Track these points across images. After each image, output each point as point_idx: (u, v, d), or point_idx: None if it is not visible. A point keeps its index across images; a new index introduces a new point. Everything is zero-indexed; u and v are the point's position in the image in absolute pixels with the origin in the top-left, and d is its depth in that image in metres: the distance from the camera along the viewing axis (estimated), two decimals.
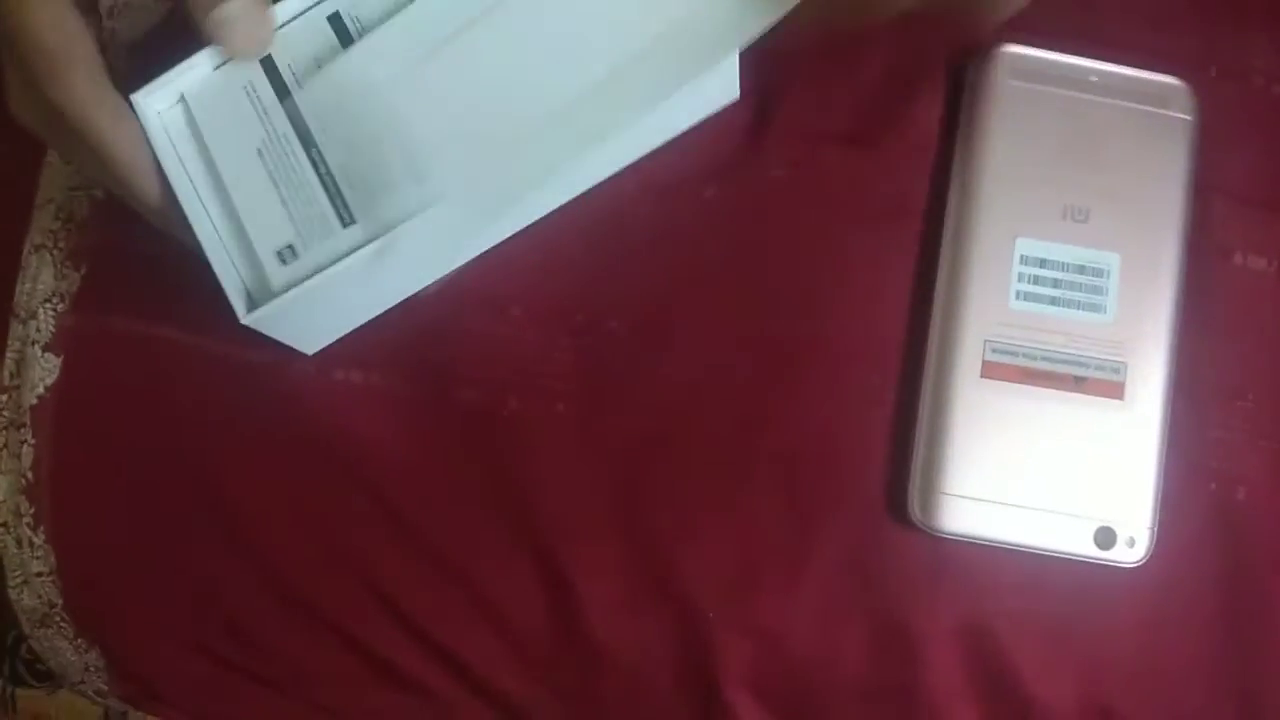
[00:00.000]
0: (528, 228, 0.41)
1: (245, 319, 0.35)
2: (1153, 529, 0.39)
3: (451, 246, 0.39)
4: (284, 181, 0.35)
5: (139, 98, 0.35)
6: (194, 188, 0.36)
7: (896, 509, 0.40)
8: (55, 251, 0.43)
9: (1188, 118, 0.41)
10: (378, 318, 0.41)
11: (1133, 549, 0.39)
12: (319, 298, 0.36)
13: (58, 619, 0.44)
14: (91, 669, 0.45)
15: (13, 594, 0.44)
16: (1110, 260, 0.40)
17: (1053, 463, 0.40)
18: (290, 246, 0.35)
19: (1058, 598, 0.40)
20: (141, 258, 0.42)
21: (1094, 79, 0.42)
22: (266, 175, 0.35)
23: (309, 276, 0.35)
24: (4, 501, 0.43)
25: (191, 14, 0.34)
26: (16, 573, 0.44)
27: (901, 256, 0.41)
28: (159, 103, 0.36)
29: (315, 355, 0.41)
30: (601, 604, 0.41)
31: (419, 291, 0.41)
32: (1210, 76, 0.42)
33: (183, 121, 0.36)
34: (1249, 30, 0.43)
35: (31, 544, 0.43)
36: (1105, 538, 0.39)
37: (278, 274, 0.35)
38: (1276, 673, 0.40)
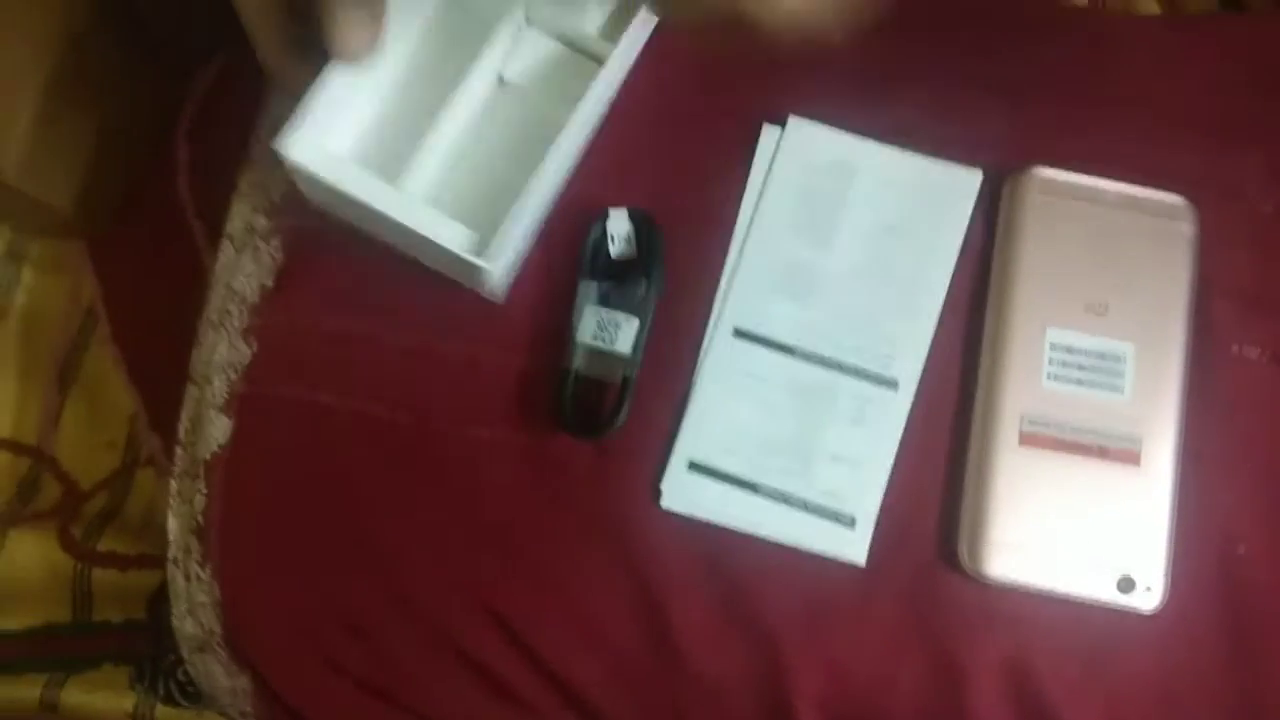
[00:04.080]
0: None
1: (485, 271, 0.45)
2: (1167, 578, 0.45)
3: None
4: None
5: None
6: None
7: (948, 556, 0.46)
8: (229, 329, 0.50)
9: (1190, 229, 0.48)
10: (504, 387, 0.48)
11: (1150, 594, 0.45)
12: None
13: (215, 646, 0.50)
14: (240, 693, 0.51)
15: (176, 621, 0.50)
16: (1126, 349, 0.47)
17: (1081, 519, 0.45)
18: None
19: (1086, 636, 0.45)
20: (305, 335, 0.49)
21: (1111, 196, 0.48)
22: None
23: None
24: (176, 539, 0.49)
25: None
26: (182, 603, 0.49)
27: (951, 343, 0.48)
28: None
29: (449, 415, 0.47)
30: (691, 631, 0.46)
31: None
32: (1209, 194, 0.48)
33: None
34: (1241, 153, 0.50)
35: (199, 578, 0.49)
36: (1126, 585, 0.45)
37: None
38: (1275, 700, 0.45)
